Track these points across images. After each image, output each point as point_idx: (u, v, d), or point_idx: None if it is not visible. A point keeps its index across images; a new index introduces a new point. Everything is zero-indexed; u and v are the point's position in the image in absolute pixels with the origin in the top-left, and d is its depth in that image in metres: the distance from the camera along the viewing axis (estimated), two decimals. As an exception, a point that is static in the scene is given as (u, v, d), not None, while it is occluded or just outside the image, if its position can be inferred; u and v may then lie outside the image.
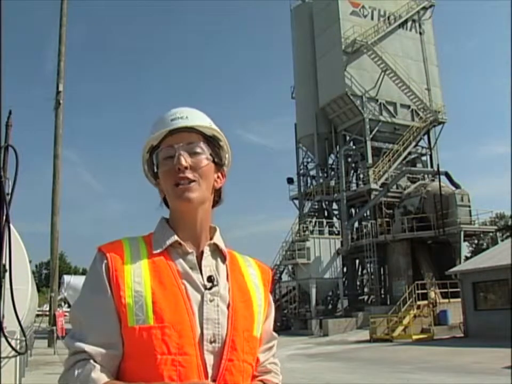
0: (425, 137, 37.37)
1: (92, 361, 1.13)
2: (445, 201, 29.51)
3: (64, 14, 23.24)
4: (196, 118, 1.30)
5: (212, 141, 1.31)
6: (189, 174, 1.24)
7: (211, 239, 1.31)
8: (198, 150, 1.27)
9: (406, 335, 23.20)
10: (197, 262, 1.26)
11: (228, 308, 1.23)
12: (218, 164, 1.32)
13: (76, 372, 1.12)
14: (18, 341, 5.23)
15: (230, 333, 1.21)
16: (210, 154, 1.29)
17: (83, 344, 1.14)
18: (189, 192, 1.23)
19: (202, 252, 1.28)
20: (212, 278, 1.24)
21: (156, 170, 1.30)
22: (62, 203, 21.76)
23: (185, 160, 1.23)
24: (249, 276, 1.35)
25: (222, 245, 1.32)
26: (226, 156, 1.37)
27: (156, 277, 1.20)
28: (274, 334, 1.40)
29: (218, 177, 1.33)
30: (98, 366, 1.12)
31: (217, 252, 1.32)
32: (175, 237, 1.26)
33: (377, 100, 35.98)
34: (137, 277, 1.19)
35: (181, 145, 1.25)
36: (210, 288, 1.23)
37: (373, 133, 35.30)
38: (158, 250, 1.24)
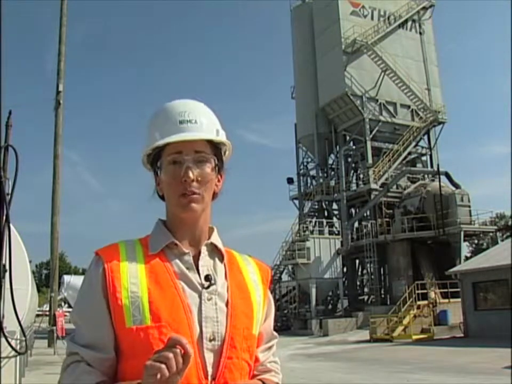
0: (425, 137, 37.37)
1: (84, 363, 1.17)
2: (445, 201, 29.50)
3: (64, 14, 23.23)
4: (205, 123, 1.29)
5: (217, 146, 1.31)
6: (195, 188, 1.24)
7: (209, 239, 1.32)
8: (205, 159, 1.27)
9: (406, 335, 23.18)
10: (194, 262, 1.26)
11: (226, 305, 1.24)
12: (219, 169, 1.32)
13: (69, 373, 1.18)
14: (18, 341, 5.23)
15: (229, 330, 1.21)
16: (215, 164, 1.29)
17: (77, 346, 1.19)
18: (193, 204, 1.24)
19: (200, 252, 1.29)
20: (210, 277, 1.25)
21: (157, 168, 1.29)
22: (62, 203, 21.73)
23: (192, 173, 1.23)
24: (248, 273, 1.35)
25: (219, 244, 1.33)
26: (227, 155, 1.37)
27: (152, 278, 1.20)
28: (275, 333, 1.41)
29: (218, 180, 1.33)
30: (89, 368, 1.16)
31: (215, 251, 1.32)
32: (171, 238, 1.27)
33: (377, 100, 35.97)
34: (133, 278, 1.20)
35: (190, 157, 1.24)
36: (208, 287, 1.23)
37: (373, 133, 35.29)
38: (154, 252, 1.25)
